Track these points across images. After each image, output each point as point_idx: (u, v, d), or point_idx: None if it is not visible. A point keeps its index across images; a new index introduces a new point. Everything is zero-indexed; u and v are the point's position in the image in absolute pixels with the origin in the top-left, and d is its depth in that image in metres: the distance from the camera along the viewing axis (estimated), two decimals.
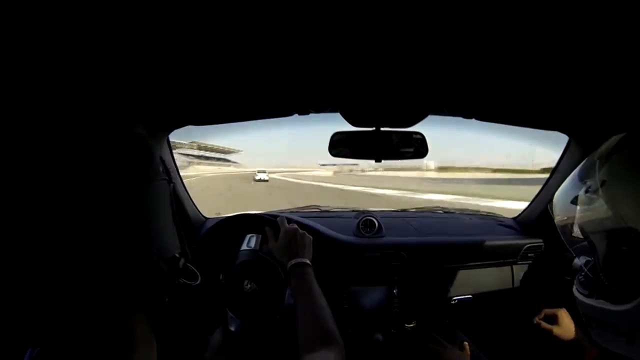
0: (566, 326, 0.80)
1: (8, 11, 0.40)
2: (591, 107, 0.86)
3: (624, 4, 0.41)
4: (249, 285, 0.76)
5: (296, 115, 1.02)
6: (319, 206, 1.68)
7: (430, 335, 0.96)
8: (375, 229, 1.32)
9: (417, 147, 1.03)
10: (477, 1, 0.43)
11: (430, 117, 0.98)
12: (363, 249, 1.24)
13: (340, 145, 1.05)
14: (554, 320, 0.81)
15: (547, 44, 0.54)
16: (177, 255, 0.37)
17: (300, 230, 0.81)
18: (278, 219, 0.86)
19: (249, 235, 0.87)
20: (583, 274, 0.53)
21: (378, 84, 0.78)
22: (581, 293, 0.53)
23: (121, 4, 0.42)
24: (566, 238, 0.56)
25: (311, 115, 1.03)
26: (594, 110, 0.88)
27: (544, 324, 0.81)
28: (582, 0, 0.41)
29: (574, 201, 0.53)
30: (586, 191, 0.51)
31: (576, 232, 0.54)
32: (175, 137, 1.31)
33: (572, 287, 0.56)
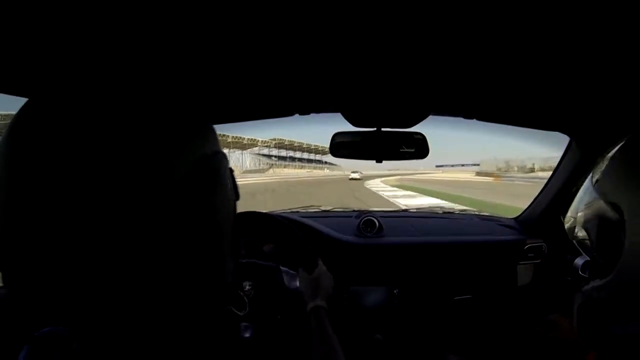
0: (565, 330, 0.81)
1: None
2: (592, 107, 0.86)
3: (624, 4, 0.41)
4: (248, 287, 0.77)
5: (297, 115, 1.02)
6: (319, 206, 1.69)
7: (438, 349, 0.96)
8: (376, 229, 1.32)
9: (418, 148, 1.03)
10: (478, 2, 0.43)
11: (430, 117, 0.98)
12: (363, 249, 1.24)
13: (341, 146, 1.05)
14: (554, 326, 0.82)
15: (547, 44, 0.54)
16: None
17: (329, 273, 0.85)
18: (320, 262, 0.87)
19: (284, 270, 0.85)
20: (584, 260, 0.56)
21: (379, 85, 0.79)
22: (569, 282, 0.56)
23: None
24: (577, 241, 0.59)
25: (312, 115, 1.03)
26: (595, 111, 0.89)
27: (544, 331, 0.82)
28: (582, 0, 0.41)
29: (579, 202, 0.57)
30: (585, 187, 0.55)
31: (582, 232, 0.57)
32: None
33: (573, 287, 0.57)
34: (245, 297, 0.46)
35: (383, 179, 33.59)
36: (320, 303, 0.75)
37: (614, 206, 0.46)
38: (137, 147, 0.25)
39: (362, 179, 31.28)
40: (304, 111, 1.00)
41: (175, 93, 0.29)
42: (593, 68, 0.62)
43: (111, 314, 0.25)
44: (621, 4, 0.41)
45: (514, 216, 1.53)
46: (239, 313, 0.44)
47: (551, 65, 0.62)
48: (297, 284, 0.82)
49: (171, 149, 0.26)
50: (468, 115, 1.01)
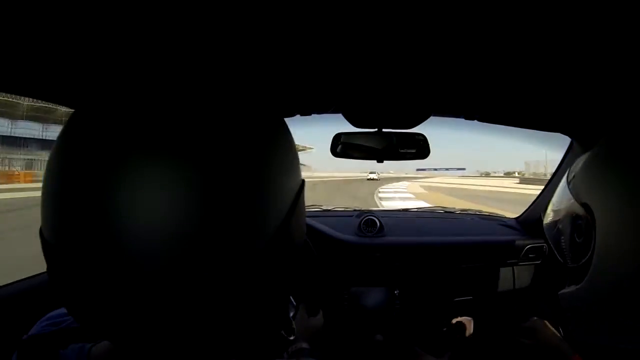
0: (546, 336, 0.78)
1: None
2: (593, 108, 0.86)
3: (624, 4, 0.41)
4: None
5: (298, 116, 1.02)
6: (320, 205, 1.69)
7: (412, 348, 0.95)
8: (377, 228, 1.32)
9: (419, 148, 1.03)
10: (479, 3, 0.43)
11: (432, 118, 0.98)
12: (364, 248, 1.24)
13: (342, 146, 1.06)
14: (531, 332, 0.80)
15: (548, 45, 0.54)
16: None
17: (321, 315, 0.83)
18: (321, 312, 0.85)
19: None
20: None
21: (380, 85, 0.79)
22: (562, 288, 0.56)
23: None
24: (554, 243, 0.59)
25: (313, 115, 1.04)
26: (596, 112, 0.88)
27: (522, 339, 0.80)
28: (582, 0, 0.41)
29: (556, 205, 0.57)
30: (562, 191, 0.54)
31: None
32: None
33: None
34: (293, 322, 0.45)
35: (396, 184, 29.37)
36: (305, 345, 0.72)
37: (586, 207, 0.45)
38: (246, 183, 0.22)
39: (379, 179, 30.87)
40: (305, 112, 1.00)
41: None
42: (593, 69, 0.62)
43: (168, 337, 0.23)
44: (621, 4, 0.41)
45: (515, 216, 1.53)
46: (290, 338, 0.43)
47: (552, 66, 0.62)
48: (291, 314, 0.80)
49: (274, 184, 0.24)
50: (469, 116, 1.00)
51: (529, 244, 1.30)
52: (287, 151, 0.26)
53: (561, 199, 0.53)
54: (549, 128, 1.06)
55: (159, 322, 0.22)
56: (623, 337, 0.42)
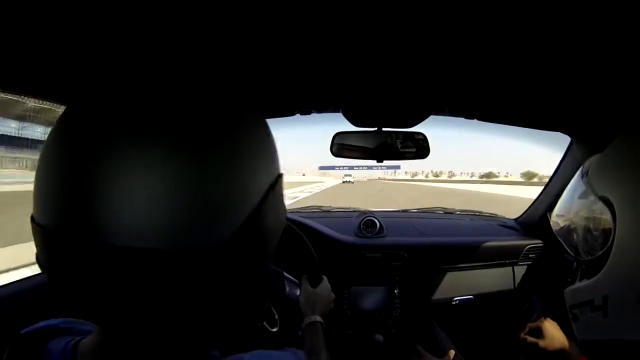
0: (552, 337, 0.77)
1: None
2: (593, 107, 0.86)
3: (624, 4, 0.41)
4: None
5: (298, 115, 1.02)
6: (320, 206, 1.69)
7: (413, 347, 0.95)
8: (377, 229, 1.32)
9: (419, 148, 1.03)
10: (479, 2, 0.43)
11: (431, 118, 0.98)
12: (364, 249, 1.24)
13: (342, 146, 1.05)
14: (538, 333, 0.79)
15: (548, 44, 0.54)
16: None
17: (329, 287, 0.85)
18: (325, 278, 0.87)
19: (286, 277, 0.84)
20: (571, 268, 0.56)
21: (380, 84, 0.79)
22: (569, 284, 0.56)
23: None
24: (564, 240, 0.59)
25: (313, 115, 1.03)
26: (596, 111, 0.88)
27: (530, 338, 0.79)
28: (582, 0, 0.41)
29: (569, 200, 0.57)
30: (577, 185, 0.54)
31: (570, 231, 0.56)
32: None
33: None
34: (276, 314, 0.44)
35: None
36: (318, 319, 0.74)
37: (605, 200, 0.45)
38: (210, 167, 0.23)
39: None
40: (305, 110, 1.00)
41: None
42: (593, 68, 0.62)
43: (146, 322, 0.24)
44: (621, 4, 0.41)
45: (515, 217, 1.53)
46: (272, 330, 0.43)
47: (552, 65, 0.62)
48: (297, 292, 0.81)
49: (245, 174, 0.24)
50: (469, 116, 1.00)
51: (529, 245, 1.30)
52: (261, 144, 0.27)
53: (575, 194, 0.53)
54: (549, 127, 1.06)
55: (138, 304, 0.23)
56: None
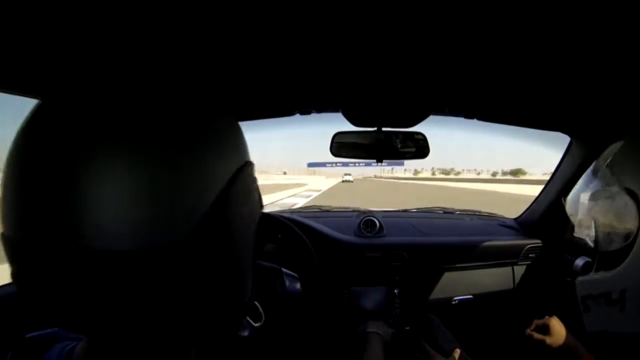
0: (558, 334, 0.76)
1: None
2: (593, 107, 0.86)
3: (624, 4, 0.41)
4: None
5: (298, 114, 1.02)
6: (320, 206, 1.69)
7: (419, 344, 0.95)
8: (376, 229, 1.32)
9: (419, 147, 1.03)
10: (479, 2, 0.43)
11: (431, 117, 0.98)
12: (364, 248, 1.24)
13: (341, 145, 1.05)
14: (545, 329, 0.79)
15: (548, 44, 0.54)
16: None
17: None
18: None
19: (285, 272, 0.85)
20: (584, 261, 0.55)
21: (380, 84, 0.78)
22: (582, 275, 0.55)
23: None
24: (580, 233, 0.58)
25: (313, 114, 1.03)
26: (596, 111, 0.88)
27: (536, 335, 0.79)
28: (582, 0, 0.41)
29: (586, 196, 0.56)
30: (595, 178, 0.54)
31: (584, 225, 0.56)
32: None
33: (573, 286, 0.56)
34: (261, 308, 0.44)
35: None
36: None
37: (630, 192, 0.45)
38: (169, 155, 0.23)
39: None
40: (305, 110, 1.00)
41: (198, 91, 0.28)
42: (593, 68, 0.62)
43: (125, 324, 0.24)
44: (621, 4, 0.41)
45: (514, 216, 1.53)
46: (255, 324, 0.42)
47: (552, 65, 0.62)
48: (298, 286, 0.81)
49: (206, 163, 0.24)
50: (469, 115, 1.00)
51: (529, 244, 1.30)
52: (219, 134, 0.27)
53: (595, 188, 0.53)
54: (549, 127, 1.06)
55: (106, 308, 0.23)
56: None
